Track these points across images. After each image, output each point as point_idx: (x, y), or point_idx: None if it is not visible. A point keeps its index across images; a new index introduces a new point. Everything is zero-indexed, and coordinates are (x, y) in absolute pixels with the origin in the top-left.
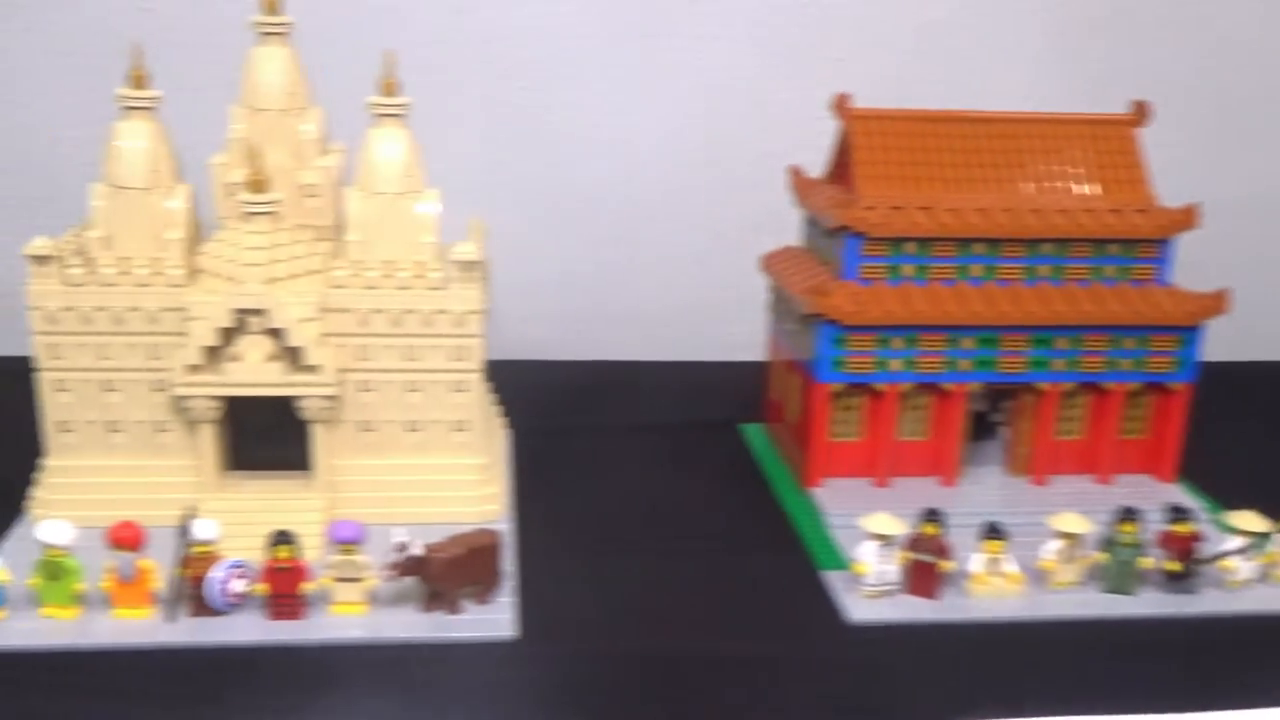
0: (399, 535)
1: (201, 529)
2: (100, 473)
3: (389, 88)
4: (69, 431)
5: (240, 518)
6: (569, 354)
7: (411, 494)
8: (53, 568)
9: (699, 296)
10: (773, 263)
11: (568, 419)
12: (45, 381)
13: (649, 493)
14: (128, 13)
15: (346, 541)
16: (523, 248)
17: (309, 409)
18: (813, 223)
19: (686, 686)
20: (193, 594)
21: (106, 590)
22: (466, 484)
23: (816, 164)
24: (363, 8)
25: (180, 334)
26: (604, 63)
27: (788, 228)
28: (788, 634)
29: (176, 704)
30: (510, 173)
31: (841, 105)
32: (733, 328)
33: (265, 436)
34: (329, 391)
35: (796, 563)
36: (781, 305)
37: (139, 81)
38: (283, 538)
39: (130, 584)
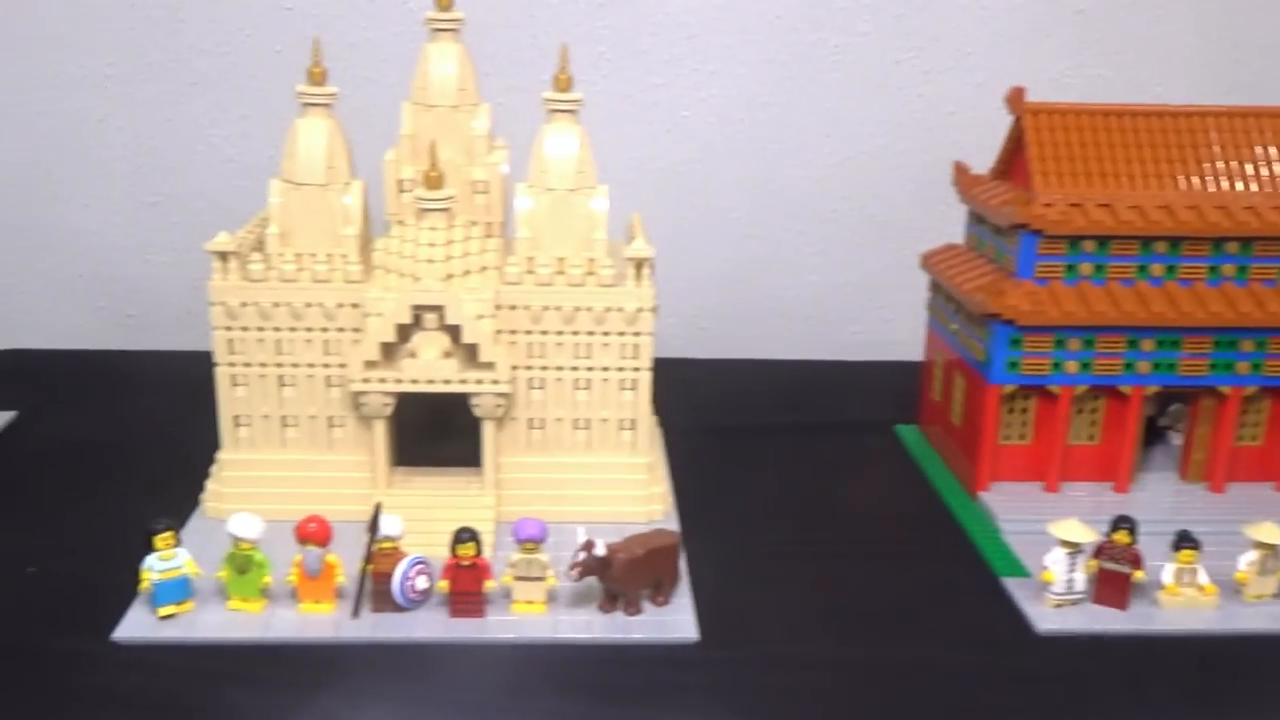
0: (580, 535)
1: (388, 525)
2: (273, 467)
3: (563, 83)
4: (244, 426)
5: (411, 514)
6: (715, 352)
7: (577, 492)
8: (241, 561)
9: (846, 294)
10: (935, 261)
11: (719, 418)
12: (222, 376)
13: (807, 493)
14: (271, 11)
15: (530, 540)
16: (670, 244)
17: (481, 406)
18: (979, 220)
19: (879, 695)
20: (376, 590)
21: (292, 584)
22: (633, 483)
23: (976, 162)
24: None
25: (356, 330)
26: (753, 57)
27: (941, 225)
28: (976, 644)
29: (358, 698)
30: (654, 167)
31: (1016, 100)
32: (882, 327)
33: (424, 433)
34: (503, 389)
35: (972, 569)
36: (945, 304)
37: (318, 78)
38: (467, 535)
39: (316, 579)
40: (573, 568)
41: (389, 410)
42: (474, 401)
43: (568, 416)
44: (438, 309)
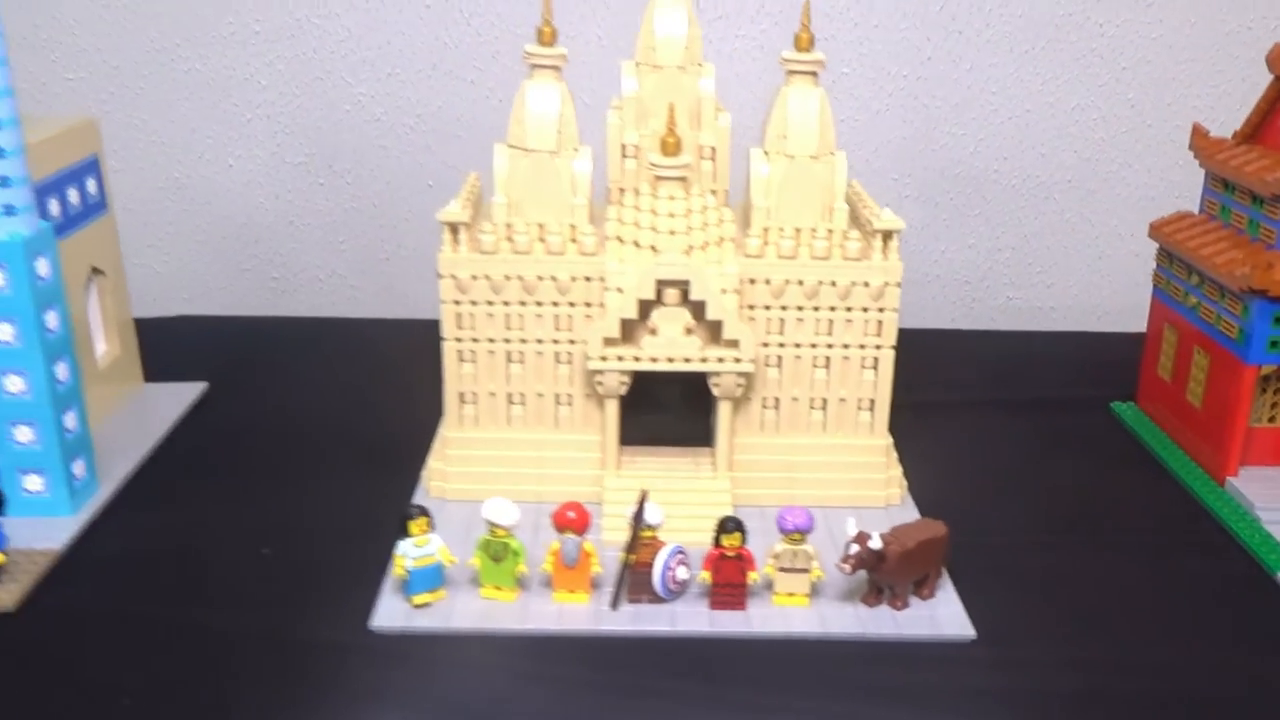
0: (851, 528)
1: (651, 513)
2: (497, 446)
3: (803, 42)
4: (469, 403)
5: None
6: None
7: (813, 475)
8: (497, 548)
9: (1005, 259)
10: (1169, 230)
11: (917, 394)
12: (449, 351)
13: (1034, 476)
14: None
15: (797, 530)
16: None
17: (722, 386)
18: (1226, 186)
19: (1182, 705)
20: (635, 580)
21: (547, 572)
22: (871, 466)
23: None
24: None
25: (589, 304)
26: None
27: (1110, 186)
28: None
29: (616, 694)
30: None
31: (1277, 59)
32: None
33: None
34: (746, 368)
35: (1238, 563)
36: (1182, 276)
37: (547, 38)
38: (733, 524)
39: (573, 568)
40: (845, 560)
41: (625, 389)
42: (714, 381)
43: (804, 396)
44: (682, 283)
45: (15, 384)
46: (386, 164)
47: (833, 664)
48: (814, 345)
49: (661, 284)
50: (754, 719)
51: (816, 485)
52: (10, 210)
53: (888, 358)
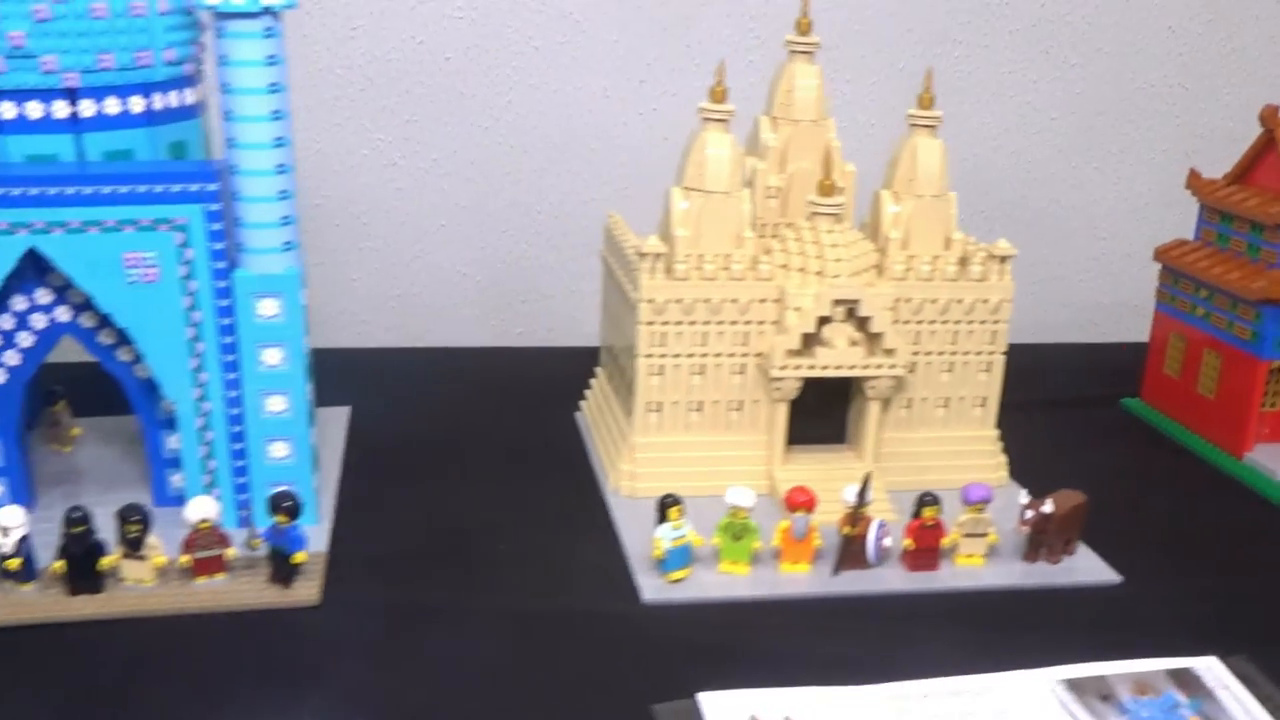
0: (1023, 497)
1: (850, 492)
2: (679, 448)
3: (926, 101)
4: (655, 411)
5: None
6: None
7: (938, 462)
8: (737, 529)
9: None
10: (1175, 254)
11: None
12: (643, 366)
13: (1078, 459)
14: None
15: (978, 502)
16: None
17: (877, 388)
18: (1222, 219)
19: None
20: (851, 550)
21: (776, 547)
22: (984, 453)
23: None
24: None
25: (761, 321)
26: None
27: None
28: None
29: (848, 637)
30: None
31: (1270, 115)
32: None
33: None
34: (899, 372)
35: (1267, 511)
36: (1189, 292)
37: (719, 96)
38: (931, 498)
39: (800, 542)
40: (1024, 524)
41: (797, 394)
42: (870, 384)
43: (933, 396)
44: (851, 302)
45: (278, 404)
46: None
47: (1011, 606)
48: (941, 353)
49: (837, 303)
50: (964, 647)
51: (940, 471)
52: (288, 246)
53: (999, 362)
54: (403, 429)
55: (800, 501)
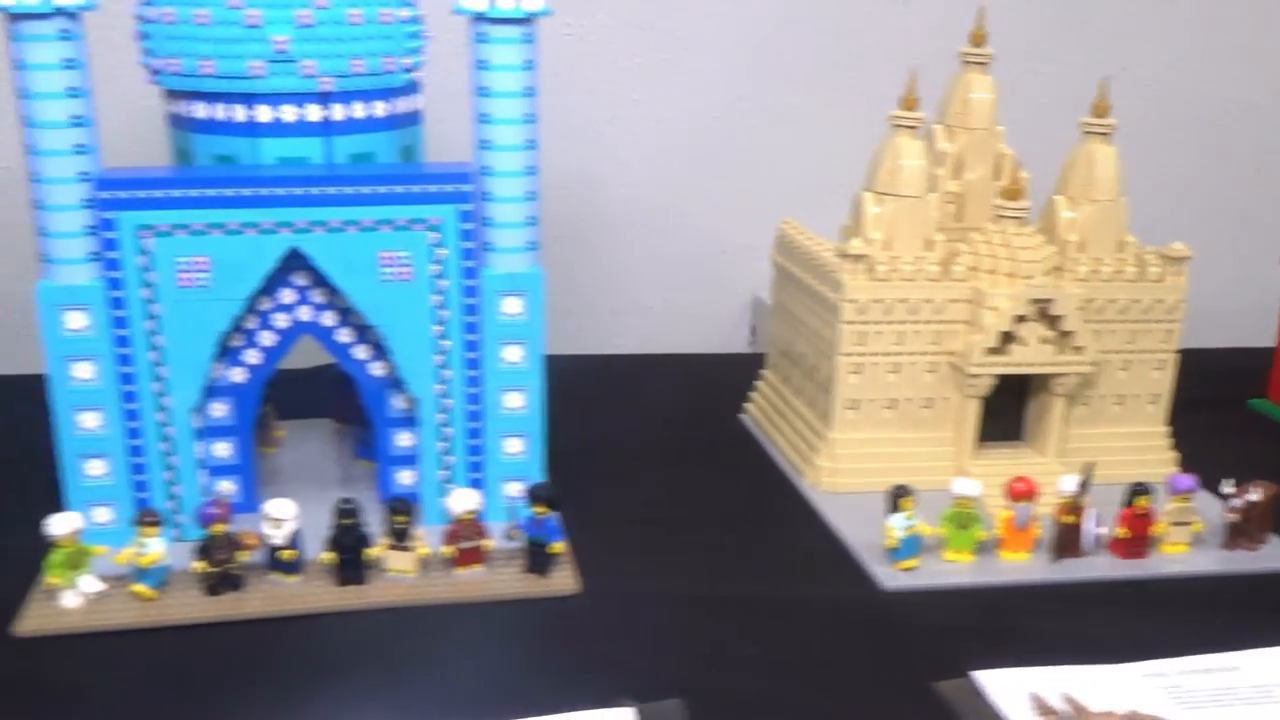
0: (1227, 487)
1: (1070, 482)
2: (873, 444)
3: (1102, 109)
4: (853, 409)
5: (995, 479)
6: None
7: (1113, 456)
8: (964, 518)
9: None
10: None
11: None
12: (843, 365)
13: (1223, 454)
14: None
15: (1184, 492)
16: None
17: (1064, 385)
18: None
19: None
20: (1066, 538)
21: (998, 536)
22: (1156, 448)
23: None
24: None
25: (952, 321)
26: None
27: None
28: None
29: (1089, 621)
30: None
31: None
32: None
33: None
34: (1087, 370)
35: None
36: None
37: (910, 104)
38: (1141, 488)
39: (1021, 531)
40: (1232, 511)
41: (990, 391)
42: (1058, 381)
43: (1110, 393)
44: (1045, 302)
45: (515, 400)
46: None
47: (1225, 590)
48: (1119, 351)
49: (1030, 302)
50: (1195, 628)
51: (1115, 465)
52: (531, 246)
53: (1172, 360)
54: (574, 434)
55: (1022, 492)
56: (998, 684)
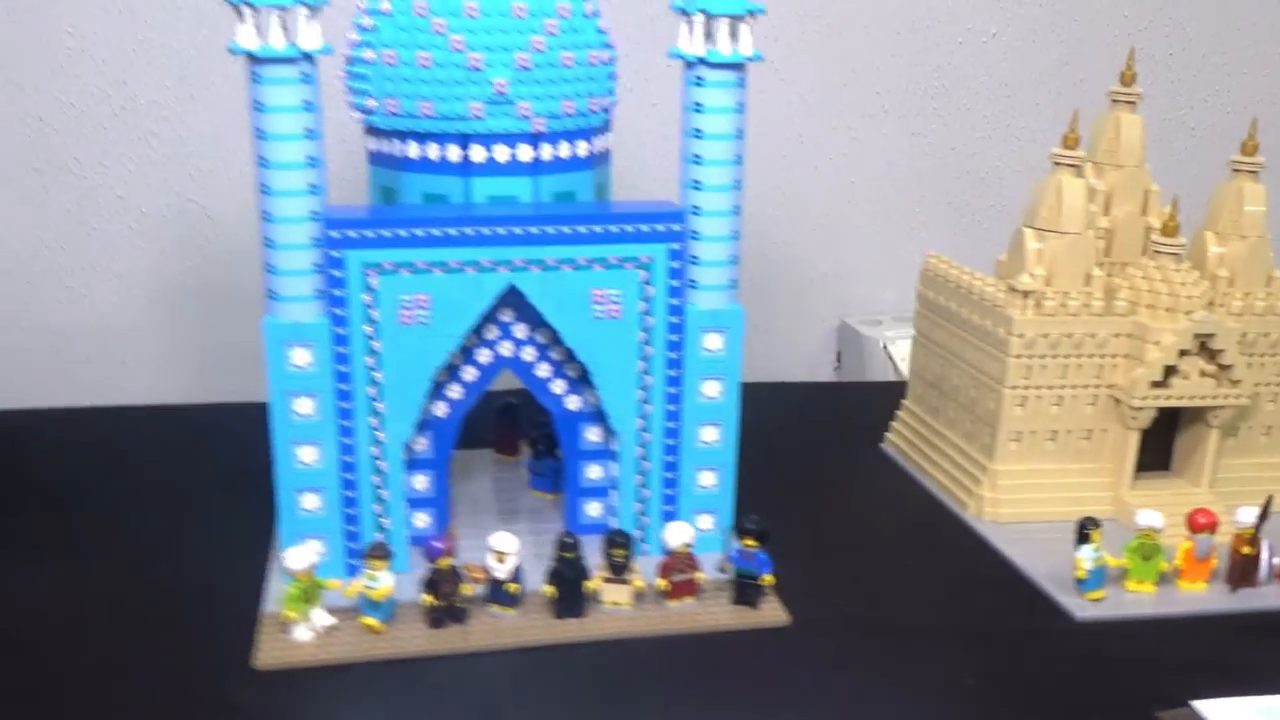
0: None
1: (1248, 514)
2: (1035, 475)
3: (1250, 148)
4: (1015, 441)
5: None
6: None
7: (1264, 487)
8: (1147, 549)
9: None
10: None
11: None
12: (1009, 397)
13: None
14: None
15: None
16: None
17: (1221, 417)
18: None
19: None
20: (1245, 569)
21: (1178, 567)
22: None
23: None
24: None
25: (1115, 355)
26: None
27: None
28: None
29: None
30: None
31: None
32: None
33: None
34: (1245, 402)
35: None
36: None
37: (1072, 143)
38: None
39: (1201, 562)
40: None
41: (1150, 423)
42: (1215, 413)
43: (1258, 424)
44: (1207, 336)
45: (711, 434)
46: None
47: None
48: (1268, 384)
49: (1194, 337)
50: None
51: (1260, 496)
52: (733, 283)
53: None
54: None
55: (1203, 524)
56: (1220, 713)
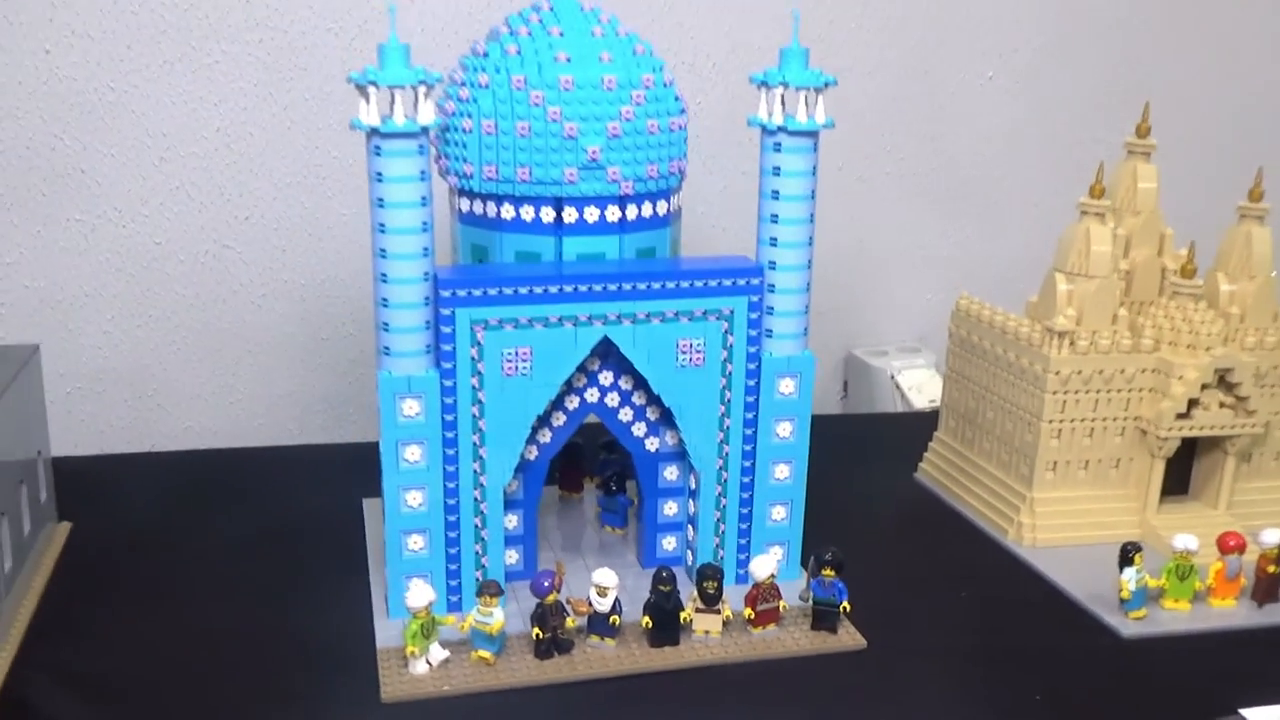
0: None
1: (1273, 535)
2: (1069, 502)
3: (1256, 195)
4: (1051, 470)
5: (1172, 531)
6: None
7: (1271, 509)
8: (1183, 569)
9: None
10: None
11: None
12: (1046, 430)
13: None
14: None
15: None
16: None
17: (1237, 445)
18: None
19: None
20: (1270, 585)
21: (1210, 585)
22: None
23: None
24: None
25: (1143, 389)
26: None
27: None
28: None
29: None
30: None
31: None
32: None
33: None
34: (1259, 431)
35: None
36: None
37: (1098, 193)
38: None
39: (1231, 581)
40: None
41: (1174, 451)
42: (1231, 441)
43: (1269, 450)
44: (1226, 370)
45: (783, 471)
46: None
47: None
48: (1277, 413)
49: (1215, 371)
50: None
51: (1271, 516)
52: (805, 331)
53: None
54: None
55: (1233, 545)
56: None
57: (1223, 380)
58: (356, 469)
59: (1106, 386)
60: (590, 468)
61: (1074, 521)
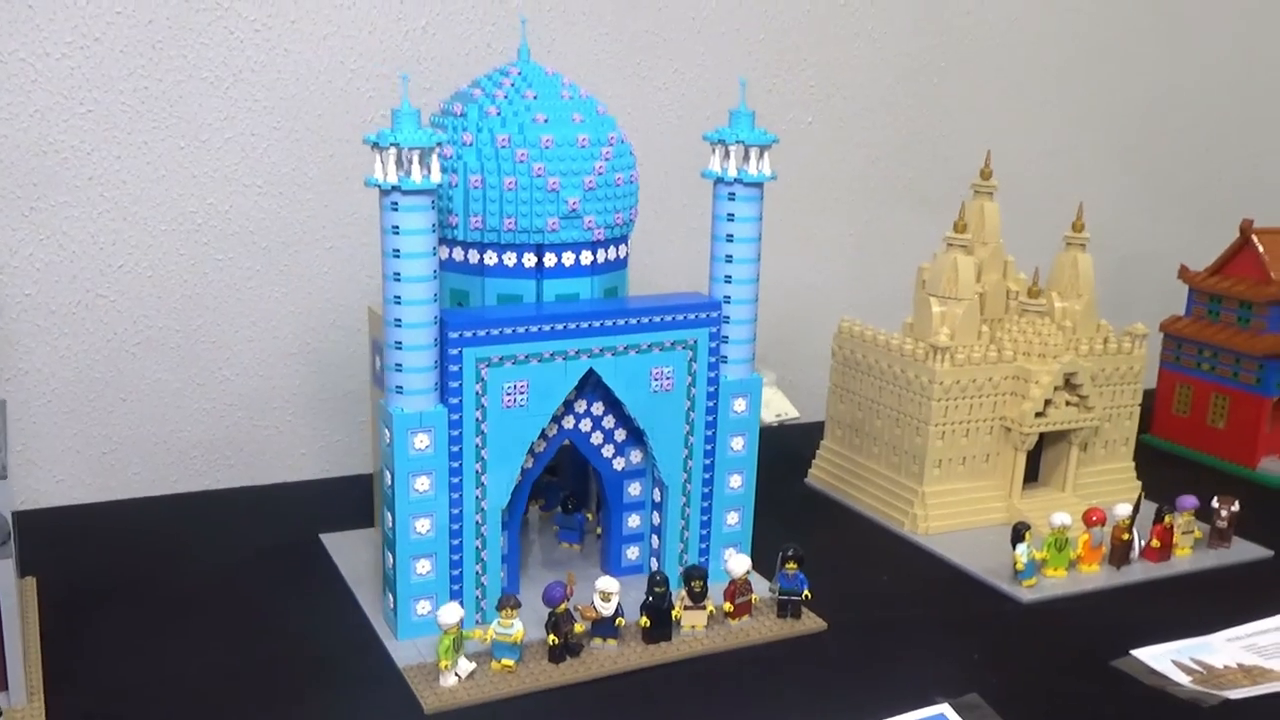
0: (1214, 503)
1: (1124, 509)
2: (952, 493)
3: (1079, 225)
4: (935, 467)
5: (1041, 514)
6: None
7: (1104, 487)
8: (1060, 542)
9: None
10: (1179, 326)
11: None
12: (933, 433)
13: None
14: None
15: (1190, 509)
16: None
17: (1079, 436)
18: (1212, 299)
19: None
20: (1122, 551)
21: (1080, 554)
22: (1127, 479)
23: None
24: None
25: (1006, 394)
26: None
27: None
28: None
29: (1173, 607)
30: None
31: (1247, 227)
32: None
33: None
34: (1097, 423)
35: None
36: (1197, 353)
37: (961, 229)
38: (1169, 508)
39: (1095, 549)
40: (1221, 519)
41: (1033, 445)
42: (1076, 433)
43: (1099, 440)
44: (1072, 374)
45: (736, 481)
46: None
47: (1232, 579)
48: (1105, 409)
49: (1065, 376)
50: (1217, 606)
51: (1102, 494)
52: (752, 356)
53: (1137, 411)
54: None
55: (1096, 519)
56: (1151, 657)
57: (1068, 383)
58: (288, 509)
59: (979, 393)
60: (547, 492)
61: (957, 510)
